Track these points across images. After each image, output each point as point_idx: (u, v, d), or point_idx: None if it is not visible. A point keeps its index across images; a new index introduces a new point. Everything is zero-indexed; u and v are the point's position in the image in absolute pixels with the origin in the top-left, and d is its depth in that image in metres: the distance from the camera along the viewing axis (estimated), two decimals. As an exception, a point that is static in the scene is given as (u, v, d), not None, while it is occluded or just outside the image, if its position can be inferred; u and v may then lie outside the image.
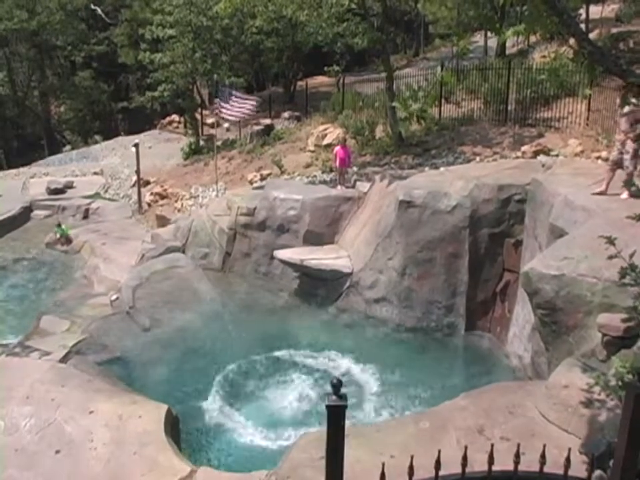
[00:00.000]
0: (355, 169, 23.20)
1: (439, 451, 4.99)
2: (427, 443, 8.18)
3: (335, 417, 5.41)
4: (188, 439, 12.82)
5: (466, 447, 5.10)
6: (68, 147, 53.04)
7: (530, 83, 24.91)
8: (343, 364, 16.29)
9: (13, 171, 41.13)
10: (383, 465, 5.06)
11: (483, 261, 16.93)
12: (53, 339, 17.36)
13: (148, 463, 9.12)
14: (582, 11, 32.48)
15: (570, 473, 5.01)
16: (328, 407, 5.37)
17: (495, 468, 5.02)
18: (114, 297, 19.78)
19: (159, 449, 9.47)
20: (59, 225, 28.10)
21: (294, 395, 14.97)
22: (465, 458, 5.03)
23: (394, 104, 24.42)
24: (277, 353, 16.89)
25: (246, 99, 28.34)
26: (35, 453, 9.09)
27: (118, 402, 10.65)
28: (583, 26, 25.87)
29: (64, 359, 14.77)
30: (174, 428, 10.92)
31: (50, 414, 9.93)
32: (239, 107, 27.72)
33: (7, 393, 10.52)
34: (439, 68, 30.58)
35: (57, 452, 9.18)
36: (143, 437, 9.71)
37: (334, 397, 5.35)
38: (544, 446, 5.01)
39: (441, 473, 5.01)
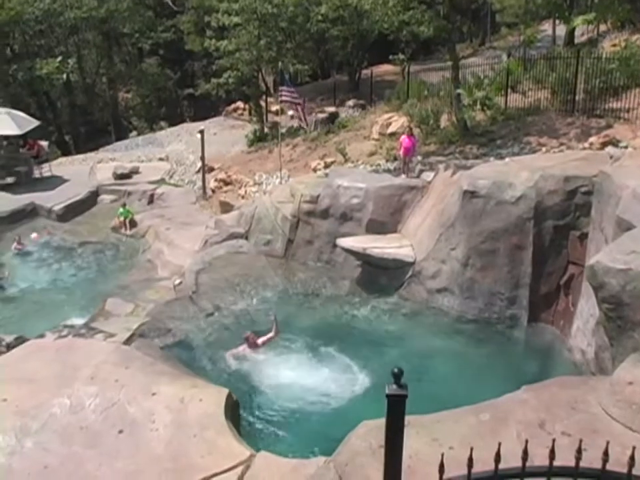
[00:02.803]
0: (419, 158, 23.06)
1: (499, 444, 4.95)
2: (486, 435, 8.11)
3: (395, 407, 5.41)
4: (248, 423, 12.94)
5: (526, 441, 5.04)
6: (134, 133, 53.88)
7: (599, 72, 24.38)
8: (403, 353, 16.23)
9: (81, 156, 41.89)
10: (442, 455, 5.04)
11: (547, 253, 16.67)
12: (117, 321, 17.69)
13: (208, 445, 9.21)
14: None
15: (634, 472, 4.92)
16: (388, 396, 5.37)
17: (555, 463, 4.96)
18: (177, 282, 20.04)
19: (218, 432, 9.56)
20: (124, 206, 28.53)
21: (355, 383, 14.98)
22: (525, 452, 4.98)
23: (459, 91, 24.20)
24: (338, 341, 16.88)
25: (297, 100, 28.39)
26: (98, 432, 9.24)
27: (180, 385, 10.78)
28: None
29: (128, 341, 15.05)
30: (234, 412, 11.01)
31: (114, 394, 10.10)
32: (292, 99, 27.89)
33: (73, 372, 10.73)
34: (505, 56, 30.18)
35: (120, 432, 9.33)
36: (204, 420, 9.81)
37: (394, 386, 5.34)
38: (607, 443, 4.93)
39: (501, 466, 4.97)
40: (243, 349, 16.36)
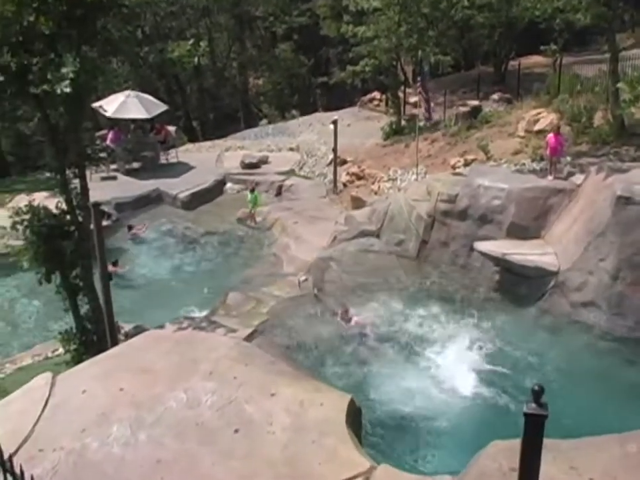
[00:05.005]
0: (568, 158, 22.51)
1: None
2: (633, 469, 7.87)
3: (533, 427, 5.34)
4: (370, 432, 12.97)
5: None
6: (264, 121, 54.66)
7: None
8: (541, 370, 15.94)
9: (208, 143, 42.90)
10: (585, 485, 4.93)
11: None
12: (238, 316, 18.10)
13: (326, 453, 9.23)
14: None
15: None
16: (526, 415, 5.29)
17: None
18: (303, 278, 20.29)
19: (338, 440, 9.57)
20: (252, 190, 28.99)
21: (484, 398, 14.85)
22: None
23: (618, 85, 23.43)
24: (470, 352, 16.72)
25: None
26: (213, 430, 9.40)
27: (300, 387, 10.84)
28: None
29: (249, 338, 15.34)
30: (356, 420, 11.01)
31: (231, 392, 10.23)
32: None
33: (191, 366, 10.95)
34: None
35: (236, 431, 9.45)
36: (323, 425, 9.83)
37: (533, 405, 5.27)
38: None
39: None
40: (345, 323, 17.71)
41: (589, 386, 15.24)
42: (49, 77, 13.77)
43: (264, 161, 35.35)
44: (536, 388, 5.29)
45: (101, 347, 15.48)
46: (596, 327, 16.94)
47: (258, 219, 28.58)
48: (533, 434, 5.38)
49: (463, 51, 46.89)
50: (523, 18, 36.98)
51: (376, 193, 27.62)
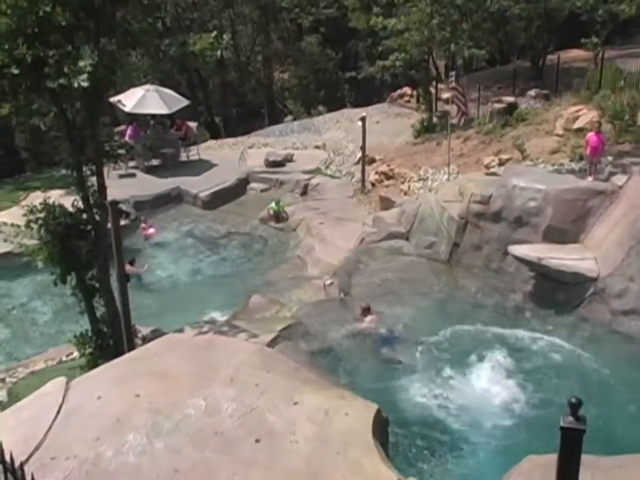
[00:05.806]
0: (609, 158, 22.33)
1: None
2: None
3: (570, 442, 5.28)
4: (395, 443, 12.92)
5: None
6: (289, 117, 54.67)
7: None
8: (579, 382, 15.81)
9: (231, 140, 42.94)
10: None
11: None
12: (261, 320, 18.07)
13: (351, 465, 9.20)
14: None
15: None
16: (563, 429, 5.24)
17: None
18: (328, 282, 20.28)
19: (364, 451, 9.53)
20: (278, 202, 29.02)
21: (515, 411, 14.75)
22: None
23: (663, 80, 23.23)
24: (502, 362, 16.60)
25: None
26: (234, 439, 9.38)
27: (325, 395, 10.81)
28: None
29: (271, 343, 15.28)
30: (382, 430, 10.97)
31: (253, 400, 10.23)
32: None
33: (212, 372, 10.96)
34: None
35: (257, 441, 9.44)
36: (348, 436, 9.80)
37: (570, 419, 5.21)
38: None
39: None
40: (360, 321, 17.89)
41: (631, 400, 15.09)
42: (65, 70, 13.79)
43: (289, 159, 35.34)
44: (573, 400, 5.23)
45: (117, 351, 15.52)
46: (638, 336, 16.80)
47: (283, 215, 28.52)
48: (570, 449, 5.31)
49: (498, 45, 46.67)
50: (562, 9, 36.74)
51: (406, 193, 27.54)
